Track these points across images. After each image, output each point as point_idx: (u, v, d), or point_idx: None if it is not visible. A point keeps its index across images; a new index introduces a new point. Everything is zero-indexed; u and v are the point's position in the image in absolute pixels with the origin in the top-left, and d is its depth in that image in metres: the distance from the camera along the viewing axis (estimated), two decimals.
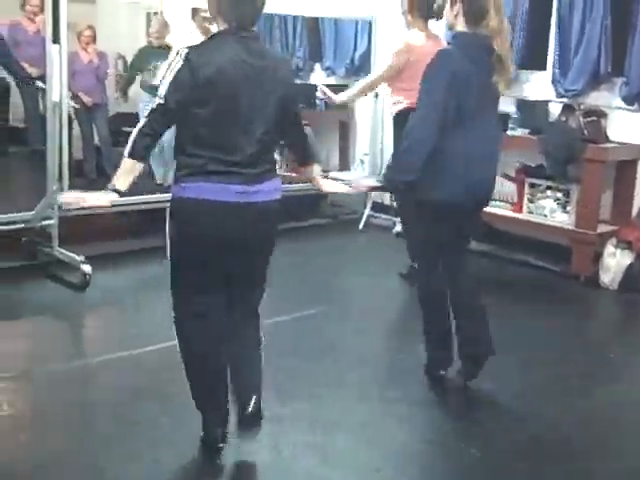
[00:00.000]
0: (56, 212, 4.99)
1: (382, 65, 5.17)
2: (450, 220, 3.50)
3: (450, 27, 3.51)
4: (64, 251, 4.96)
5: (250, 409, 2.96)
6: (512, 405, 3.58)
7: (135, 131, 2.74)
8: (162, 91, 2.69)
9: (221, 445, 2.99)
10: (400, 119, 4.67)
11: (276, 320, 4.35)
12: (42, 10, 5.52)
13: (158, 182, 6.21)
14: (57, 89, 4.94)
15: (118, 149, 3.03)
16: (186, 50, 2.68)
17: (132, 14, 7.76)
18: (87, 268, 4.74)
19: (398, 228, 5.82)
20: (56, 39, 4.86)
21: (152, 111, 2.71)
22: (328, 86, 5.60)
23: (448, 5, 3.45)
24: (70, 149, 5.14)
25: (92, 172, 6.64)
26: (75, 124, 6.46)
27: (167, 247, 2.93)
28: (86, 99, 6.66)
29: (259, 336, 3.07)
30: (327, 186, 3.24)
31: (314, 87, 6.81)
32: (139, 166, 2.77)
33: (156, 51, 6.32)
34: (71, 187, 5.04)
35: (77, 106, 6.34)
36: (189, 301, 2.91)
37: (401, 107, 4.83)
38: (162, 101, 2.68)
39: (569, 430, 3.36)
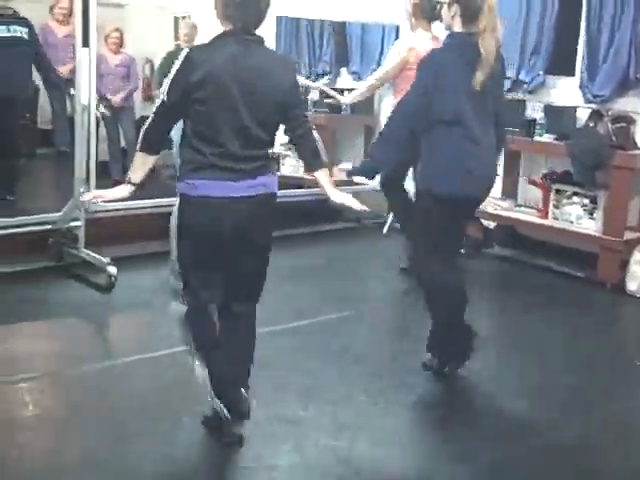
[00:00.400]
0: (83, 213, 5.04)
1: (384, 66, 5.39)
2: (453, 215, 3.62)
3: (447, 28, 3.64)
4: (90, 252, 5.00)
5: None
6: (532, 409, 3.56)
7: (144, 127, 2.92)
8: (164, 89, 2.85)
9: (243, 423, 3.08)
10: None
11: (297, 324, 4.37)
12: (71, 13, 5.59)
13: None
14: (86, 92, 4.99)
15: None
16: (187, 49, 2.83)
17: (160, 18, 7.82)
18: (113, 270, 4.77)
19: None
20: (86, 42, 4.91)
21: (156, 108, 2.88)
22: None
23: (445, 7, 3.58)
24: (97, 151, 5.18)
25: (118, 174, 6.69)
26: (102, 126, 6.52)
27: (174, 243, 3.00)
28: (114, 99, 6.73)
29: (253, 331, 3.14)
30: (336, 196, 3.11)
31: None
32: (151, 159, 2.96)
33: None
34: (98, 189, 5.09)
35: (105, 112, 6.44)
36: (198, 295, 3.00)
37: None
38: (164, 98, 2.84)
39: (583, 433, 3.37)
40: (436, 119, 3.47)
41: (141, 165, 2.95)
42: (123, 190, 2.98)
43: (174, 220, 3.00)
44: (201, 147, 2.83)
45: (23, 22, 5.60)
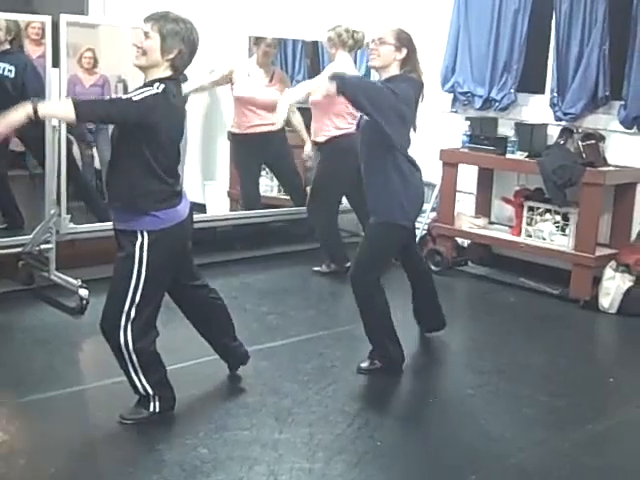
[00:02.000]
0: (54, 236, 4.98)
1: (313, 84, 5.35)
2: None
3: (381, 67, 3.84)
4: (61, 275, 4.95)
5: (243, 348, 3.86)
6: (507, 429, 3.55)
7: (98, 105, 3.37)
8: (137, 96, 3.14)
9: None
10: (331, 146, 5.44)
11: (272, 345, 4.35)
12: (44, 34, 5.52)
13: None
14: None
15: None
16: (163, 85, 3.17)
17: (133, 38, 7.79)
18: (84, 292, 4.72)
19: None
20: (56, 63, 4.88)
21: (120, 100, 3.30)
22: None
23: (392, 48, 3.79)
24: (68, 173, 5.11)
25: None
26: (75, 148, 6.47)
27: (136, 273, 3.21)
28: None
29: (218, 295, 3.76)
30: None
31: None
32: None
33: None
34: (69, 211, 5.04)
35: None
36: (154, 306, 3.35)
37: (336, 133, 5.39)
38: (130, 97, 3.15)
39: (552, 451, 3.36)
40: (393, 147, 3.76)
41: (57, 109, 3.43)
42: (21, 112, 3.04)
43: (139, 256, 3.22)
44: (165, 177, 3.24)
45: (12, 58, 5.35)
